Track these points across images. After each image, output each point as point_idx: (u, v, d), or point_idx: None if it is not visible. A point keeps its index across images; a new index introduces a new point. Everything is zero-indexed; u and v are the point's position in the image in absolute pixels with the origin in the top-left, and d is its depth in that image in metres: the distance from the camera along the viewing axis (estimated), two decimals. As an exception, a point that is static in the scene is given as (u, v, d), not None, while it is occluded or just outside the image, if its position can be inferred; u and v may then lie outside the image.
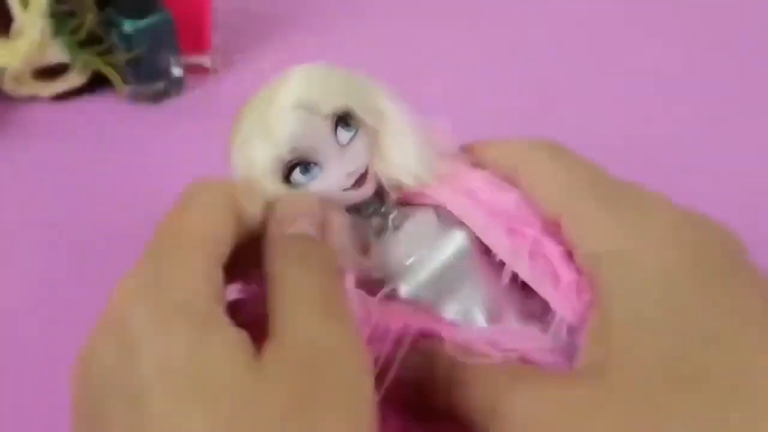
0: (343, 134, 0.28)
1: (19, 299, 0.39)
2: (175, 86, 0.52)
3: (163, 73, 0.51)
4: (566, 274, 0.27)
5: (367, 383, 0.21)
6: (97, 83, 0.51)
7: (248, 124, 0.29)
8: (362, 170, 0.28)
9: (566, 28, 0.60)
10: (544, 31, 0.59)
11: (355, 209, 0.28)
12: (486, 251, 0.28)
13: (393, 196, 0.29)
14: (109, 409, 0.20)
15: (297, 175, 0.27)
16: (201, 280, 0.22)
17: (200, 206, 0.24)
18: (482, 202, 0.28)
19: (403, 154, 0.29)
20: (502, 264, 0.27)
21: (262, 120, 0.28)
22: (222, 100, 0.52)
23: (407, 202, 0.29)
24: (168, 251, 0.23)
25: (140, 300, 0.22)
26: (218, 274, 0.23)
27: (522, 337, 0.26)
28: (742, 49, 0.57)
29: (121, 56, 0.50)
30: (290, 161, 0.27)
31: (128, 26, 0.48)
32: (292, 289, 0.23)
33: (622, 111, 0.52)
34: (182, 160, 0.45)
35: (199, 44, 0.53)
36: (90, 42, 0.50)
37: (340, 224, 0.26)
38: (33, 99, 0.51)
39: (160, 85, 0.51)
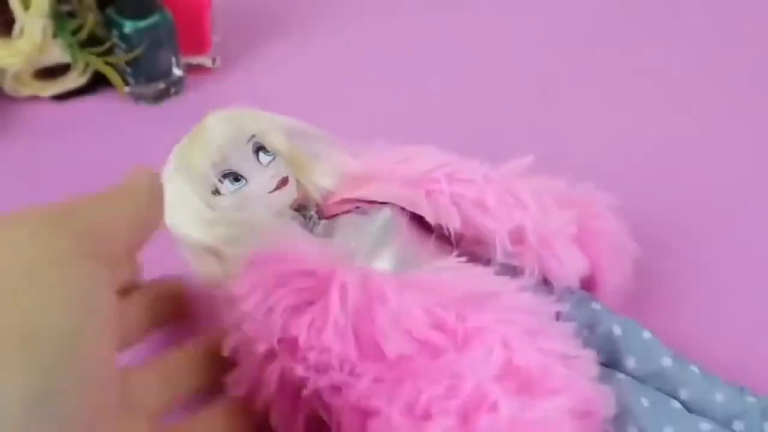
0: (264, 158, 0.34)
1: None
2: (175, 86, 0.52)
3: (164, 74, 0.51)
4: (490, 199, 0.32)
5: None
6: (97, 83, 0.51)
7: (189, 145, 0.34)
8: (283, 175, 0.34)
9: (566, 27, 0.60)
10: (544, 30, 0.59)
11: (300, 217, 0.34)
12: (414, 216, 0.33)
13: (317, 203, 0.35)
14: None
15: (227, 184, 0.33)
16: None
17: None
18: (396, 180, 0.33)
19: (316, 174, 0.35)
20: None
21: (200, 136, 0.34)
22: (222, 100, 0.52)
23: (336, 209, 0.34)
24: None
25: None
26: None
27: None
28: (743, 48, 0.57)
29: (122, 56, 0.50)
30: (222, 170, 0.33)
31: (129, 27, 0.48)
32: None
33: (621, 110, 0.52)
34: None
35: (199, 44, 0.53)
36: (91, 42, 0.50)
37: None
38: (34, 99, 0.51)
39: (160, 86, 0.51)
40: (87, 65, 0.50)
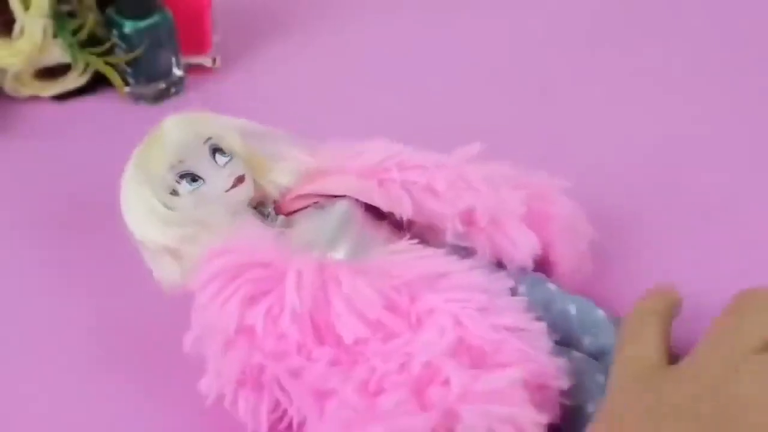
0: (221, 159, 0.35)
1: (20, 297, 0.39)
2: (175, 86, 0.52)
3: (164, 74, 0.51)
4: (441, 184, 0.33)
5: None
6: (97, 84, 0.51)
7: (146, 148, 0.35)
8: (239, 174, 0.35)
9: (566, 27, 0.60)
10: (544, 30, 0.59)
11: (258, 214, 0.35)
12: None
13: (275, 201, 0.36)
14: None
15: (185, 185, 0.34)
16: None
17: None
18: (350, 173, 0.35)
19: (273, 173, 0.36)
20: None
21: (157, 139, 0.35)
22: (222, 100, 0.52)
23: (294, 205, 0.35)
24: None
25: None
26: None
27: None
28: (743, 48, 0.57)
29: (122, 57, 0.50)
30: (179, 172, 0.34)
31: (129, 27, 0.48)
32: None
33: (621, 110, 0.52)
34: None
35: (199, 44, 0.53)
36: (91, 43, 0.50)
37: None
38: (34, 99, 0.51)
39: (160, 86, 0.51)
40: (87, 65, 0.50)
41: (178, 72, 0.52)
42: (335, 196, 0.35)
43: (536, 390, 0.28)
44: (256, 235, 0.32)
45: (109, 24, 0.49)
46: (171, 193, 0.34)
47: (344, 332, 0.29)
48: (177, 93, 0.52)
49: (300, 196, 0.35)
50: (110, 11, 0.49)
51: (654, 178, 0.46)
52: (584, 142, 0.49)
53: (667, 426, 0.23)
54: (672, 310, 0.29)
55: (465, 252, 0.34)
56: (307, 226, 0.34)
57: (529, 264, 0.34)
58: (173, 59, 0.51)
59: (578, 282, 0.36)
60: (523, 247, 0.34)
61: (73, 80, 0.51)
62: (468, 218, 0.34)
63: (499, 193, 0.34)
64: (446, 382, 0.27)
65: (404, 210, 0.34)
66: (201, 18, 0.52)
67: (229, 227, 0.33)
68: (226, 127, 0.36)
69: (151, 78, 0.51)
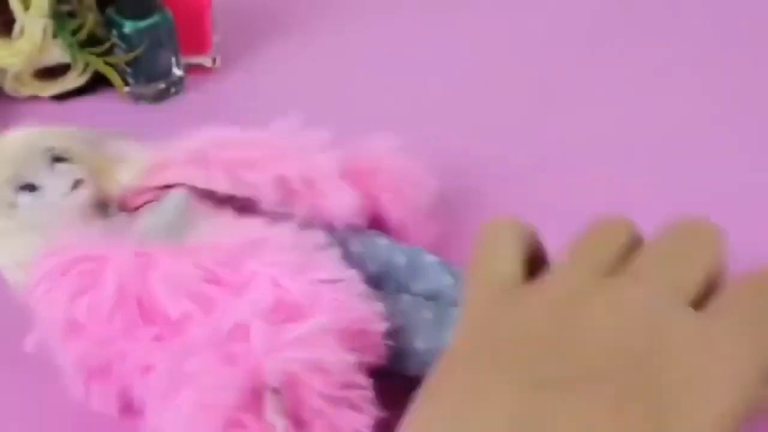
0: (60, 167, 0.36)
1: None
2: (175, 86, 0.52)
3: (164, 74, 0.51)
4: (255, 155, 0.36)
5: None
6: (97, 83, 0.51)
7: None
8: (78, 177, 0.36)
9: (566, 27, 0.60)
10: (544, 30, 0.59)
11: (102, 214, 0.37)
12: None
13: (118, 200, 0.37)
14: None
15: (23, 196, 0.35)
16: None
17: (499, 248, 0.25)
18: (180, 163, 0.37)
19: (115, 173, 0.38)
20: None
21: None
22: (222, 100, 0.52)
23: (136, 201, 0.37)
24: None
25: None
26: None
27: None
28: (744, 48, 0.57)
29: (122, 57, 0.50)
30: (18, 184, 0.35)
31: (129, 27, 0.48)
32: None
33: (621, 110, 0.52)
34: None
35: (199, 44, 0.53)
36: (91, 42, 0.50)
37: None
38: (34, 99, 0.51)
39: (160, 86, 0.51)
40: (87, 65, 0.50)
41: (178, 72, 0.52)
42: (171, 187, 0.37)
43: (356, 335, 0.30)
44: (88, 233, 0.34)
45: (109, 24, 0.49)
46: (9, 206, 0.36)
47: (169, 310, 0.30)
48: (177, 93, 0.52)
49: (140, 191, 0.37)
50: (110, 11, 0.49)
51: (654, 178, 0.46)
52: (584, 142, 0.49)
53: (515, 349, 0.22)
54: (528, 232, 0.27)
55: (286, 217, 0.36)
56: (146, 218, 0.36)
57: (357, 220, 0.36)
58: (173, 59, 0.51)
59: (431, 237, 0.38)
60: (343, 205, 0.36)
61: (73, 80, 0.51)
62: (284, 184, 0.36)
63: (311, 156, 0.37)
64: (249, 338, 0.29)
65: (221, 186, 0.36)
66: (201, 18, 0.52)
67: (61, 229, 0.34)
68: (62, 137, 0.38)
69: (151, 78, 0.51)
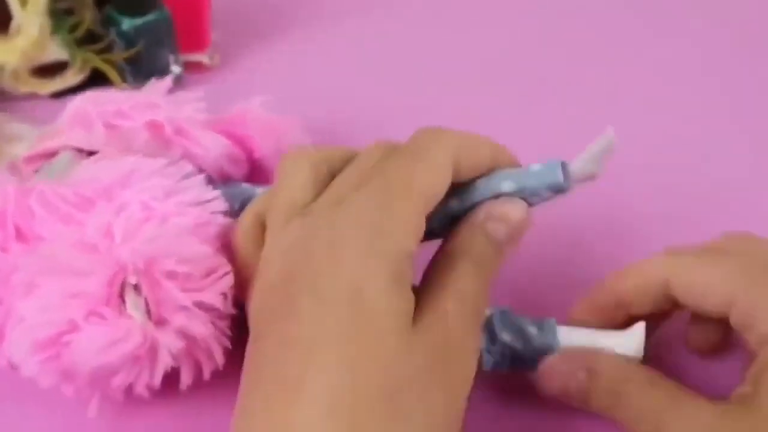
0: None
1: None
2: (173, 84, 0.52)
3: (162, 71, 0.51)
4: (127, 106, 0.38)
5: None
6: (95, 81, 0.51)
7: None
8: None
9: (566, 27, 0.59)
10: (544, 31, 0.59)
11: None
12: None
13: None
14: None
15: None
16: (414, 238, 0.26)
17: (429, 163, 0.29)
18: (66, 128, 0.39)
19: (8, 148, 0.41)
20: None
21: None
22: (220, 98, 0.52)
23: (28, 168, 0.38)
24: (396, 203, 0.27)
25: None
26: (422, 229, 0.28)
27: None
28: (746, 48, 0.57)
29: (120, 54, 0.50)
30: None
31: (127, 24, 0.48)
32: (461, 279, 0.28)
33: (622, 110, 0.51)
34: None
35: (197, 42, 0.53)
36: (89, 40, 0.50)
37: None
38: (32, 96, 0.51)
39: (158, 83, 0.51)
40: (85, 62, 0.50)
41: (176, 69, 0.52)
42: (55, 152, 0.38)
43: (225, 248, 0.33)
44: None
45: (107, 21, 0.49)
46: None
47: (43, 232, 0.32)
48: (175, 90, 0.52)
49: (30, 160, 0.38)
50: (108, 8, 0.49)
51: (655, 178, 0.46)
52: (584, 142, 0.49)
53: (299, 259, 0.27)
54: (322, 157, 0.31)
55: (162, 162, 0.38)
56: (34, 178, 0.37)
57: (229, 168, 0.40)
58: (171, 56, 0.51)
59: None
60: (212, 148, 0.39)
61: (71, 77, 0.51)
62: (156, 131, 0.38)
63: (179, 106, 0.40)
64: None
65: (100, 141, 0.37)
66: (199, 15, 0.52)
67: None
68: None
69: (150, 75, 0.50)
